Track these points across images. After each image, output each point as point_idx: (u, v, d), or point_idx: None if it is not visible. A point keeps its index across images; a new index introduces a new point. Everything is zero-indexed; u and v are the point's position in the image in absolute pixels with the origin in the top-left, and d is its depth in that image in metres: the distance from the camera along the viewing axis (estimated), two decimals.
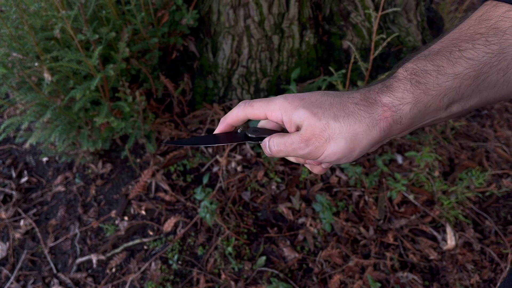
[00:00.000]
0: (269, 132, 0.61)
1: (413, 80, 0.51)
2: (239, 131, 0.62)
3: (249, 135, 0.61)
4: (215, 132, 0.63)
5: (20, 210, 1.77)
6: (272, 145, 0.58)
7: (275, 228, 1.64)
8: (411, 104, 0.50)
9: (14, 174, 1.90)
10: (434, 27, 2.15)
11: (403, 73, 0.52)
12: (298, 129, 0.55)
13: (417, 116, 0.51)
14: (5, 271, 1.60)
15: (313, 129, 0.53)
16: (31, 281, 1.57)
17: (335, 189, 1.73)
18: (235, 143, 0.64)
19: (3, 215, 1.75)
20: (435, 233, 1.60)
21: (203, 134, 1.87)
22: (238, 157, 1.82)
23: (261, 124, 0.64)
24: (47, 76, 1.42)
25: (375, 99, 0.52)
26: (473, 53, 0.49)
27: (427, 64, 0.51)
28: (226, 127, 0.62)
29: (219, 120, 1.90)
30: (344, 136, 0.52)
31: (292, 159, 0.62)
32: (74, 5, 1.47)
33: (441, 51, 0.51)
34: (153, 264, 1.56)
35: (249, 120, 0.61)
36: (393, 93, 0.52)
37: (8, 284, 1.56)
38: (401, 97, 0.51)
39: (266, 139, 0.59)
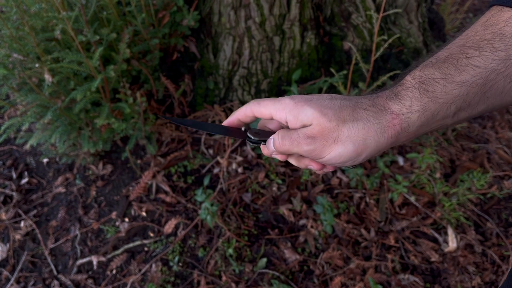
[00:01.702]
0: (269, 134, 0.61)
1: (421, 88, 0.51)
2: (243, 129, 0.63)
3: (250, 136, 0.61)
4: (223, 123, 0.63)
5: (20, 211, 1.77)
6: (277, 138, 0.57)
7: (276, 230, 1.63)
8: (419, 112, 0.51)
9: (14, 175, 1.90)
10: (435, 28, 2.14)
11: (411, 81, 0.52)
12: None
13: (424, 124, 0.52)
14: (5, 273, 1.59)
15: (322, 128, 0.53)
16: (31, 283, 1.57)
17: (336, 191, 1.72)
18: (234, 138, 0.64)
19: (4, 216, 1.75)
20: (436, 235, 1.59)
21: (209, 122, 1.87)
22: (239, 158, 1.82)
23: (262, 124, 0.63)
24: (47, 77, 1.41)
25: (383, 106, 0.52)
26: (480, 60, 0.49)
27: (434, 72, 0.51)
28: (234, 121, 0.62)
29: (220, 121, 1.90)
30: (352, 140, 0.52)
31: (293, 161, 0.62)
32: (75, 6, 1.47)
33: (448, 58, 0.51)
34: (153, 265, 1.55)
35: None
36: (401, 101, 0.52)
37: (8, 286, 1.56)
38: (409, 106, 0.51)
39: (273, 136, 0.59)
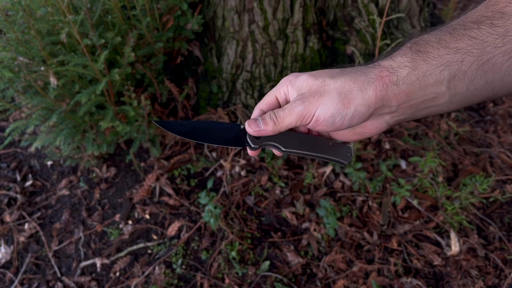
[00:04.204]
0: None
1: (414, 48, 0.52)
2: (241, 127, 0.64)
3: (249, 141, 0.62)
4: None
5: (24, 214, 1.77)
6: (270, 112, 0.59)
7: (279, 233, 1.64)
8: (408, 68, 0.51)
9: (18, 178, 1.91)
10: None
11: (406, 44, 0.54)
12: None
13: (415, 84, 0.51)
14: (9, 275, 1.60)
15: (310, 86, 0.55)
16: (35, 285, 1.57)
17: (339, 194, 1.73)
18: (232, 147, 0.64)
19: (8, 219, 1.75)
20: (439, 238, 1.59)
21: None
22: (242, 161, 1.82)
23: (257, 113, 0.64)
24: (53, 80, 1.43)
25: (374, 64, 0.54)
26: (478, 32, 0.50)
27: (430, 37, 0.52)
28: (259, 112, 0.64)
29: None
30: (338, 91, 0.53)
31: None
32: (80, 10, 1.48)
33: (446, 27, 0.53)
34: (157, 268, 1.56)
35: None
36: (392, 58, 0.53)
37: None
38: (399, 61, 0.52)
39: (265, 114, 0.61)
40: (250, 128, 0.59)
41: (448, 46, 0.50)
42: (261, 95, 1.95)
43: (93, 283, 1.55)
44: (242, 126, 0.63)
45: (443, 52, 0.50)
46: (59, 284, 1.56)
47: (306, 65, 1.91)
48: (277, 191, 1.74)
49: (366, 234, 1.61)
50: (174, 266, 1.56)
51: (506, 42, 0.48)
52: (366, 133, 0.59)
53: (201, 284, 1.51)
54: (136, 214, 1.73)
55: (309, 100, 0.54)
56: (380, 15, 1.86)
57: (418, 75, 0.51)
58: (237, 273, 1.53)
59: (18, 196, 1.83)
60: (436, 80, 0.51)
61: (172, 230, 1.64)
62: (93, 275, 1.58)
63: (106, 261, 1.60)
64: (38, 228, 1.73)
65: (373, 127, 0.58)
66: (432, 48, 0.51)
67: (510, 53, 0.48)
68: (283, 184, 1.76)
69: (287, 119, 0.57)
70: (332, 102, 0.53)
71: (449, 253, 1.54)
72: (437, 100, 0.53)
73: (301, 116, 0.55)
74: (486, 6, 0.52)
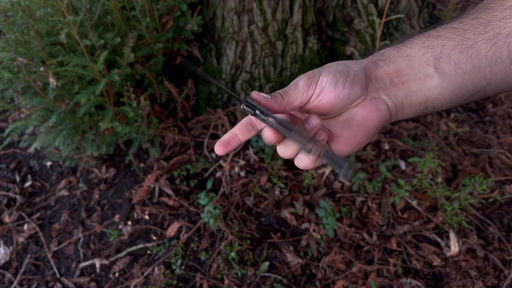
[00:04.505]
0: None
1: (398, 43, 0.57)
2: (242, 107, 0.58)
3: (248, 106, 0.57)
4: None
5: (23, 214, 1.77)
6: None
7: (278, 234, 1.64)
8: (393, 51, 0.56)
9: (18, 178, 1.91)
10: None
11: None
12: None
13: (401, 63, 0.55)
14: (8, 275, 1.60)
15: (308, 73, 0.57)
16: (34, 286, 1.57)
17: (338, 195, 1.73)
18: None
19: (7, 219, 1.75)
20: (438, 239, 1.59)
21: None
22: (242, 162, 1.82)
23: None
24: (52, 80, 1.43)
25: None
26: (459, 24, 0.52)
27: (413, 35, 0.56)
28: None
29: (222, 125, 1.91)
30: (336, 62, 0.57)
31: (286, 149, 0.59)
32: (80, 10, 1.48)
33: (430, 28, 0.56)
34: (156, 269, 1.56)
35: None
36: (380, 51, 0.58)
37: None
38: (385, 50, 0.57)
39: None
40: (255, 93, 0.55)
41: (429, 35, 0.54)
42: None
43: (92, 283, 1.55)
44: (242, 107, 0.61)
45: (424, 39, 0.54)
46: (58, 284, 1.56)
47: (305, 66, 1.91)
48: (277, 192, 1.74)
49: (365, 235, 1.61)
50: (174, 266, 1.56)
51: (488, 30, 0.50)
52: (368, 118, 0.56)
53: (201, 285, 1.51)
54: (135, 215, 1.73)
55: (310, 72, 0.57)
56: (380, 16, 1.86)
57: (402, 55, 0.55)
58: (236, 273, 1.53)
59: (17, 196, 1.83)
60: (420, 60, 0.53)
61: (171, 230, 1.64)
62: (92, 275, 1.58)
63: (105, 261, 1.60)
64: (37, 228, 1.72)
65: (373, 108, 0.56)
66: (414, 39, 0.55)
67: (493, 41, 0.49)
68: (282, 185, 1.76)
69: (293, 97, 0.55)
70: (333, 66, 0.56)
71: (448, 254, 1.54)
72: (428, 81, 0.54)
73: (306, 84, 0.55)
74: (473, 8, 0.55)
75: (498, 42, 0.49)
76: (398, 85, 0.55)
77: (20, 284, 1.57)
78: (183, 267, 1.56)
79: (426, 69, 0.53)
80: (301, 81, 0.55)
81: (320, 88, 0.55)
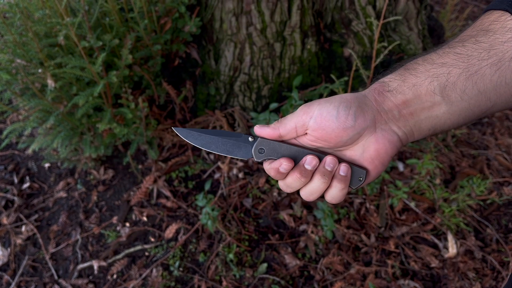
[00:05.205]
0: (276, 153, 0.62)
1: (402, 68, 0.57)
2: (250, 139, 0.64)
3: (256, 155, 0.63)
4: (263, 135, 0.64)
5: (21, 216, 1.77)
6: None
7: (277, 235, 1.64)
8: (398, 80, 0.56)
9: (16, 180, 1.91)
10: (435, 35, 2.16)
11: (395, 67, 0.59)
12: None
13: (408, 93, 0.55)
14: (6, 277, 1.59)
15: (308, 103, 0.59)
16: (32, 287, 1.57)
17: None
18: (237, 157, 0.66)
19: (5, 221, 1.75)
20: (436, 240, 1.60)
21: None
22: (240, 163, 1.82)
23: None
24: (50, 82, 1.43)
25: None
26: (462, 49, 0.53)
27: (416, 58, 0.57)
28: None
29: (221, 126, 1.91)
30: (338, 96, 0.58)
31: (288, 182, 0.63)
32: (78, 12, 1.48)
33: (432, 49, 0.57)
34: (154, 270, 1.56)
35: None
36: (383, 75, 0.58)
37: None
38: (389, 77, 0.57)
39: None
40: (257, 127, 0.62)
41: (434, 62, 0.54)
42: (259, 97, 1.95)
43: (90, 285, 1.55)
44: (250, 139, 0.64)
45: (429, 67, 0.54)
46: (56, 286, 1.56)
47: (303, 68, 1.92)
48: (275, 193, 1.74)
49: (363, 236, 1.61)
50: (172, 268, 1.56)
51: (492, 55, 0.51)
52: (381, 151, 0.58)
53: (199, 286, 1.51)
54: (133, 216, 1.73)
55: (309, 102, 0.59)
56: (378, 17, 1.86)
57: (408, 85, 0.55)
58: (234, 275, 1.53)
59: (16, 198, 1.83)
60: (427, 90, 0.54)
61: (169, 232, 1.64)
62: (90, 277, 1.58)
63: (103, 263, 1.60)
64: (35, 230, 1.72)
65: (385, 141, 0.58)
66: (418, 65, 0.55)
67: (498, 65, 0.50)
68: None
69: (288, 119, 0.59)
70: (333, 99, 0.57)
71: (446, 255, 1.54)
72: (435, 109, 0.55)
73: (302, 113, 0.58)
74: (472, 27, 0.55)
75: (502, 66, 0.50)
76: (407, 116, 0.56)
77: (18, 286, 1.57)
78: (181, 269, 1.56)
79: (433, 98, 0.54)
80: (297, 110, 0.59)
81: (320, 116, 0.57)
